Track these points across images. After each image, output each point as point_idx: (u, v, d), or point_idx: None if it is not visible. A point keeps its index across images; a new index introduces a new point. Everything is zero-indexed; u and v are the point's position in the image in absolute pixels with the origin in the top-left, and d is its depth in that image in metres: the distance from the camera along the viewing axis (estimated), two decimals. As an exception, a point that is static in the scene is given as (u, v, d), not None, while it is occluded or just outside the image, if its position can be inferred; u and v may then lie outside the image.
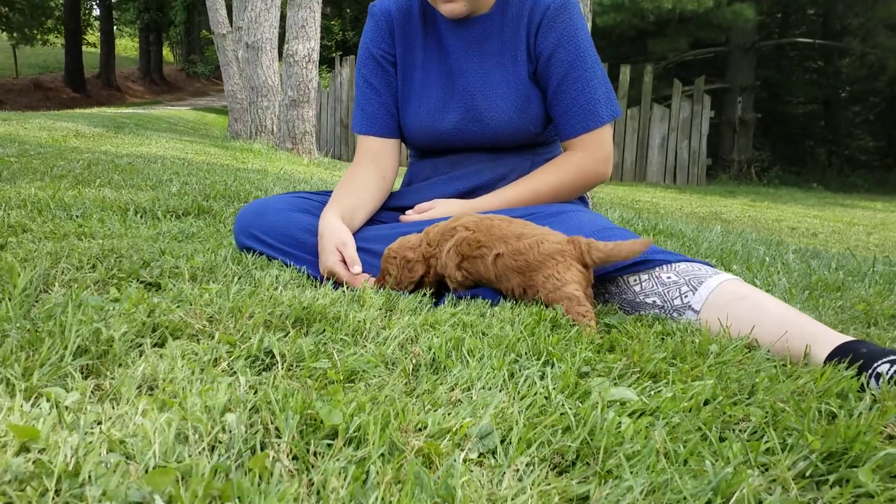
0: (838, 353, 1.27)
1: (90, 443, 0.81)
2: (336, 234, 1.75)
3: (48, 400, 0.92)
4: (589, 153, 1.91)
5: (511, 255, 1.57)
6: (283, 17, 10.05)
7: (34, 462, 0.76)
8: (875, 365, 1.20)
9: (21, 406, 0.89)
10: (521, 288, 1.58)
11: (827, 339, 1.32)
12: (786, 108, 22.35)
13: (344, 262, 1.72)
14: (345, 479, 0.76)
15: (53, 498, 0.72)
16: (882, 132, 22.00)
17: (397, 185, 2.19)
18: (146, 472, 0.75)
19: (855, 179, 19.07)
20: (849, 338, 1.32)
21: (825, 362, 1.28)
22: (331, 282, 1.70)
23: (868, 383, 1.19)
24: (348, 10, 26.62)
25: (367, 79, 2.04)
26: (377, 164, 2.01)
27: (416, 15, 2.00)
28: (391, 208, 2.04)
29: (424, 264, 1.69)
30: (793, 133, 22.13)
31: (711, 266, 1.62)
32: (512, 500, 0.77)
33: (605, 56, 16.01)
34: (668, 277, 1.58)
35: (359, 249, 1.77)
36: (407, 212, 1.95)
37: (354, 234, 1.83)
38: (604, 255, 1.52)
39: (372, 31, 2.04)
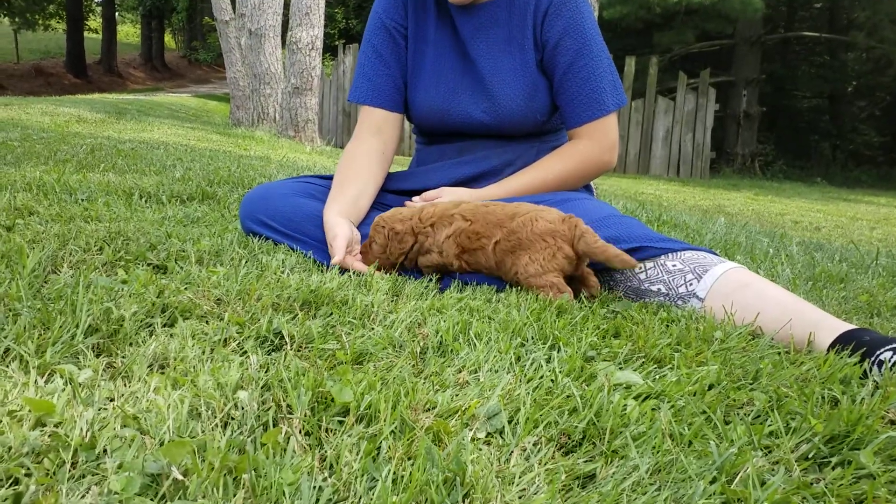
0: (841, 341, 1.29)
1: (104, 418, 0.82)
2: (330, 230, 1.76)
3: (62, 376, 0.93)
4: (595, 141, 1.92)
5: (506, 238, 1.58)
6: (286, 5, 10.03)
7: (50, 435, 0.78)
8: (878, 352, 1.21)
9: (35, 382, 0.90)
10: (507, 273, 1.59)
11: (830, 326, 1.34)
12: (791, 102, 22.31)
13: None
14: (357, 454, 0.78)
15: (70, 469, 0.73)
16: (887, 127, 21.96)
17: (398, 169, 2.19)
18: (161, 445, 0.77)
19: (859, 174, 19.05)
20: (852, 326, 1.34)
21: (828, 349, 1.30)
22: (336, 267, 1.71)
23: (871, 370, 1.20)
24: (352, -1, 26.55)
25: (377, 49, 2.02)
26: (379, 137, 2.00)
27: None
28: (398, 192, 2.05)
29: (413, 237, 1.70)
30: (797, 127, 22.08)
31: (716, 254, 1.63)
32: (520, 476, 0.79)
33: (611, 48, 15.90)
34: (674, 265, 1.59)
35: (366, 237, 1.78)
36: (413, 198, 1.96)
37: (362, 222, 1.84)
38: (588, 249, 1.53)
39: (386, 1, 2.03)
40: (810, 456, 0.90)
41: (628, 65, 13.95)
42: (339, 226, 1.76)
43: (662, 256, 1.61)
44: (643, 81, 14.33)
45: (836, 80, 21.21)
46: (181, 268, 1.55)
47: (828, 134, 21.89)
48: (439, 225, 1.68)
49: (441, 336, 1.21)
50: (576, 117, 1.91)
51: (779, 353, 1.27)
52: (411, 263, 1.74)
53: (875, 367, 1.20)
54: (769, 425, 0.96)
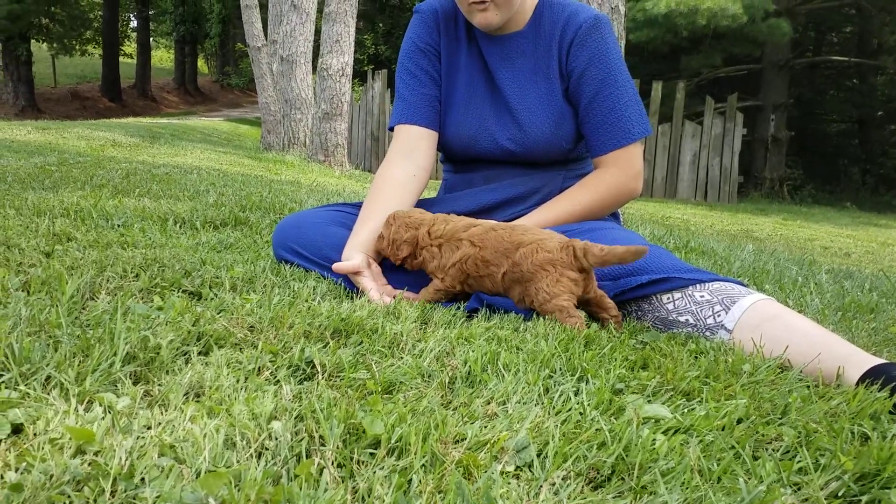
0: (870, 375, 1.28)
1: (142, 446, 0.84)
2: (347, 261, 1.79)
3: (101, 404, 0.95)
4: (620, 170, 1.93)
5: (511, 269, 1.61)
6: (317, 32, 10.17)
7: (90, 463, 0.80)
8: None
9: (76, 409, 0.92)
10: (522, 296, 1.63)
11: (859, 361, 1.33)
12: (819, 126, 22.13)
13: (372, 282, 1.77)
14: (389, 487, 0.79)
15: (109, 498, 0.75)
16: (918, 152, 21.67)
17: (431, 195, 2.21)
18: (198, 475, 0.79)
19: (889, 199, 18.79)
20: (881, 360, 1.33)
21: (857, 384, 1.29)
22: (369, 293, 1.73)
23: None
24: (381, 25, 26.88)
25: (411, 71, 2.05)
26: (411, 159, 1.99)
27: (462, 21, 2.03)
28: None
29: (412, 248, 1.75)
30: (826, 151, 21.88)
31: (745, 285, 1.63)
32: (549, 512, 0.79)
33: (638, 72, 15.93)
34: (702, 296, 1.59)
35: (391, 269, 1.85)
36: None
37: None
38: (599, 260, 1.55)
39: (419, 26, 2.06)
40: (840, 494, 0.90)
41: (655, 89, 13.94)
42: (358, 262, 1.78)
43: (690, 287, 1.62)
44: (670, 106, 14.30)
45: (866, 105, 20.99)
46: (215, 294, 1.58)
47: (857, 158, 21.64)
48: (447, 247, 1.71)
49: (469, 366, 1.22)
50: (601, 146, 1.92)
51: (808, 387, 1.27)
52: (413, 268, 1.79)
53: None
54: (798, 462, 0.96)
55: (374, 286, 1.74)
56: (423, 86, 2.03)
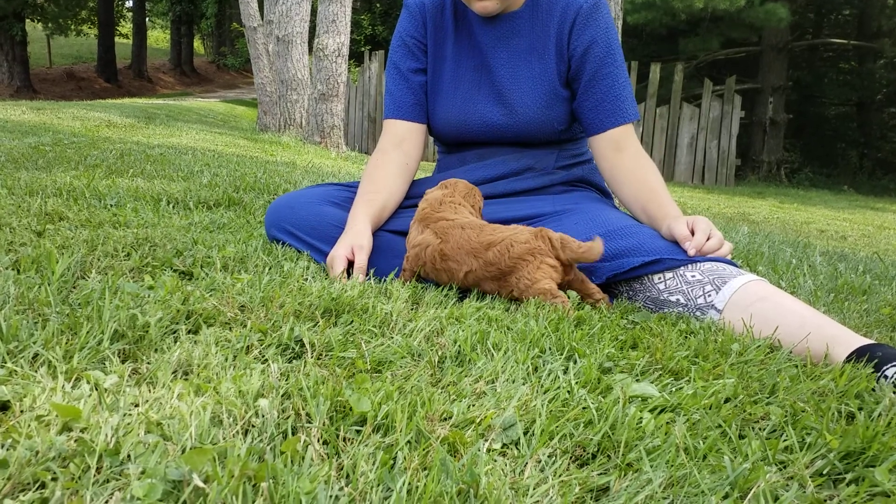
0: (856, 355, 1.29)
1: (129, 423, 0.84)
2: (358, 237, 1.76)
3: (88, 382, 0.95)
4: (636, 148, 1.94)
5: (483, 268, 1.61)
6: (313, 11, 10.10)
7: (76, 440, 0.80)
8: (884, 368, 1.22)
9: (63, 387, 0.92)
10: (497, 291, 1.64)
11: (847, 341, 1.34)
12: (818, 109, 22.07)
13: (350, 263, 1.72)
14: (373, 464, 0.79)
15: (95, 475, 0.75)
16: (916, 135, 21.64)
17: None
18: (183, 452, 0.79)
19: (887, 182, 18.78)
20: (869, 341, 1.34)
21: (843, 364, 1.30)
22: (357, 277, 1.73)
23: (877, 384, 1.20)
24: (378, 5, 26.72)
25: (396, 65, 2.09)
26: (401, 149, 2.04)
27: (449, 9, 2.05)
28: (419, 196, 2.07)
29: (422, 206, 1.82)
30: (824, 135, 21.83)
31: (737, 266, 1.63)
32: (534, 488, 0.80)
33: (636, 54, 15.87)
34: (693, 276, 1.60)
35: (392, 232, 1.87)
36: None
37: (387, 221, 1.91)
38: (577, 256, 1.58)
39: (406, 21, 2.10)
40: (825, 472, 0.91)
41: (653, 71, 13.87)
42: (369, 239, 1.77)
43: (682, 267, 1.62)
44: (668, 88, 14.25)
45: (864, 88, 20.91)
46: (206, 274, 1.58)
47: (855, 142, 21.61)
48: (416, 227, 1.75)
49: (459, 345, 1.23)
50: (599, 123, 1.93)
51: (796, 367, 1.27)
52: None
53: (882, 381, 1.21)
54: (784, 440, 0.97)
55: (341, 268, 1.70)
56: (406, 80, 2.07)
